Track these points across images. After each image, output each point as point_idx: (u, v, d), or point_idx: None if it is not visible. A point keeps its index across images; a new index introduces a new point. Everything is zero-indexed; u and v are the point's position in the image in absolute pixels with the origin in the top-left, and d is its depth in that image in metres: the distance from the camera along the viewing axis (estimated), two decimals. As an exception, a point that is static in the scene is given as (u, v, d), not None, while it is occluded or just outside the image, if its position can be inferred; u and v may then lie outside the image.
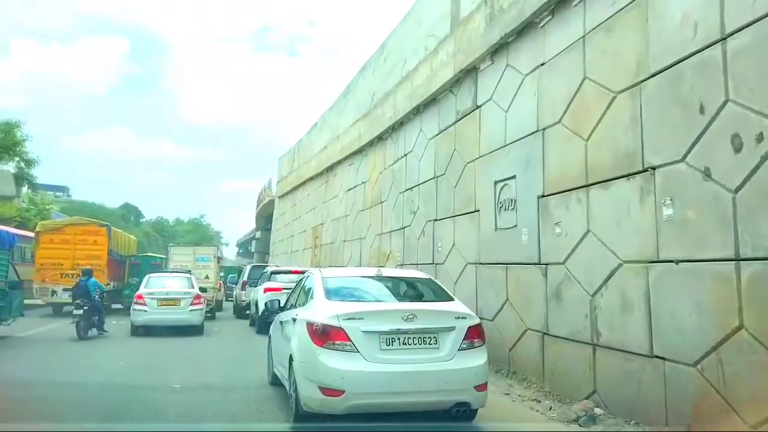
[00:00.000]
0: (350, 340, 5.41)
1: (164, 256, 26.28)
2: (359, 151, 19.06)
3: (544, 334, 8.36)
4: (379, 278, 6.77)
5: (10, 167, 36.97)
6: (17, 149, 35.83)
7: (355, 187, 19.45)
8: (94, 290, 14.27)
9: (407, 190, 14.50)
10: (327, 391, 5.35)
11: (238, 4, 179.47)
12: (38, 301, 20.09)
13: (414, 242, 13.82)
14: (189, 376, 9.42)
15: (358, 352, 5.39)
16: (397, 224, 15.11)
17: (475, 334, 5.80)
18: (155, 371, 10.11)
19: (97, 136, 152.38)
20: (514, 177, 9.38)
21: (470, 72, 11.16)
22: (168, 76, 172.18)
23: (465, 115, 11.37)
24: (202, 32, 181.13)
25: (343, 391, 5.30)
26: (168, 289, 15.09)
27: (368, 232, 17.63)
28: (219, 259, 25.17)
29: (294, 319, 6.38)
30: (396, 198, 15.30)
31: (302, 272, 10.01)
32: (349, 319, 5.51)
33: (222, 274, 27.72)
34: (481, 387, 5.72)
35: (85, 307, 13.57)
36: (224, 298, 25.89)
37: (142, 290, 14.91)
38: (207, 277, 21.22)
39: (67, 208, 61.34)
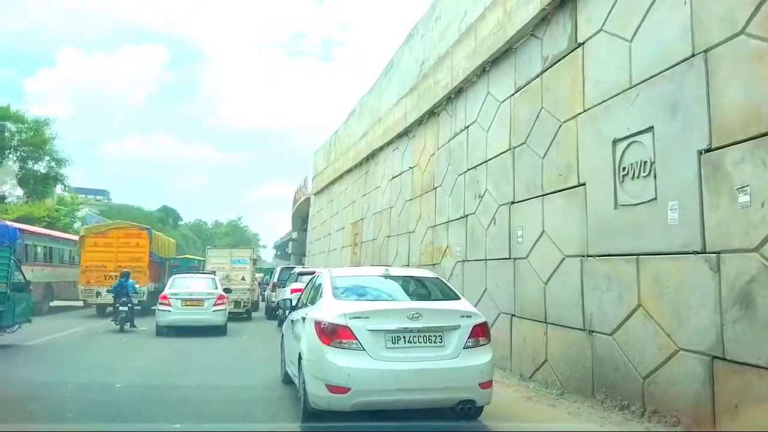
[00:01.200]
0: (356, 339, 5.38)
1: (202, 258, 26.36)
2: (405, 132, 16.21)
3: (715, 358, 5.37)
4: (387, 277, 6.61)
5: (41, 167, 35.22)
6: (46, 147, 34.06)
7: (400, 174, 16.61)
8: (132, 290, 15.87)
9: (470, 170, 11.59)
10: (334, 388, 5.32)
11: (273, 11, 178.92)
12: (78, 303, 21.21)
13: (480, 233, 10.90)
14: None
15: (364, 350, 5.36)
16: (456, 213, 12.21)
17: (480, 333, 5.75)
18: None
19: (137, 142, 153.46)
20: (649, 130, 6.37)
21: (565, 3, 8.21)
22: (205, 83, 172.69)
23: (558, 61, 8.39)
24: (238, 39, 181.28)
25: (350, 389, 5.27)
26: (192, 289, 15.00)
27: (418, 224, 14.76)
28: (255, 261, 24.85)
29: (304, 318, 6.30)
30: (454, 181, 12.39)
31: None
32: (355, 318, 5.48)
33: (261, 275, 28.63)
34: (486, 384, 5.64)
35: (129, 305, 15.35)
36: (260, 299, 26.04)
37: (166, 291, 14.93)
38: (243, 279, 21.12)
39: (106, 211, 60.08)
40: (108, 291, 17.48)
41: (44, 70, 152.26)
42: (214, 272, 19.05)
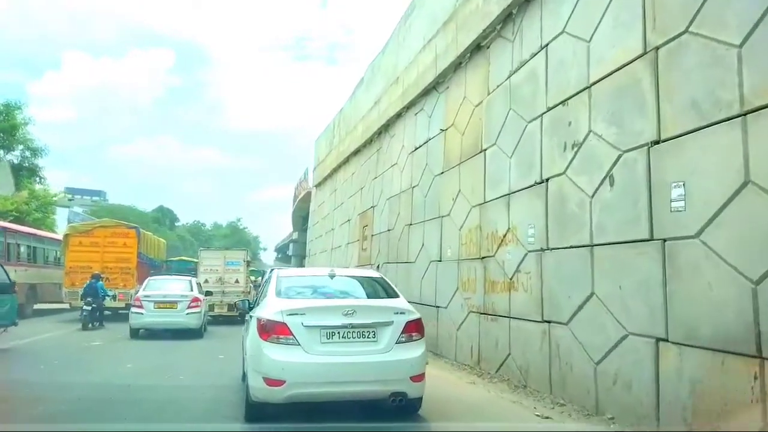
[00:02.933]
0: (292, 334, 5.41)
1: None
2: (434, 86, 11.96)
3: None
4: (332, 277, 6.42)
5: (14, 156, 30.89)
6: (18, 134, 29.76)
7: (426, 143, 12.36)
8: (101, 292, 16.20)
9: (552, 108, 7.32)
10: (270, 381, 5.33)
11: (278, 15, 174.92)
12: (65, 305, 19.60)
13: (579, 203, 6.62)
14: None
15: (299, 345, 5.39)
16: (525, 178, 7.94)
17: (413, 329, 5.75)
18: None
19: (142, 145, 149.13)
20: None
21: None
22: (211, 86, 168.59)
23: None
24: (243, 43, 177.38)
25: (284, 381, 5.28)
26: (165, 291, 14.51)
27: (455, 204, 10.50)
28: (249, 262, 22.94)
29: (252, 317, 6.27)
30: (520, 132, 8.13)
31: None
32: (291, 314, 5.50)
33: (254, 278, 26.59)
34: (417, 378, 5.63)
35: (93, 305, 15.82)
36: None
37: (140, 293, 14.47)
38: (237, 281, 19.93)
39: (97, 211, 55.79)
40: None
41: (50, 74, 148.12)
42: (194, 274, 19.13)
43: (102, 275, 17.20)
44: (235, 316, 17.49)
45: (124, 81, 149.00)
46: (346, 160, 21.11)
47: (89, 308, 15.70)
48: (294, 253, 57.81)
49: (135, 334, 13.94)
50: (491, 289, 8.81)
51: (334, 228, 23.05)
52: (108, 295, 16.90)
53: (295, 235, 56.04)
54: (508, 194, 8.43)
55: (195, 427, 5.80)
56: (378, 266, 15.49)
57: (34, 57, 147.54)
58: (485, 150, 9.34)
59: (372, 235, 16.51)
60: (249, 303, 7.71)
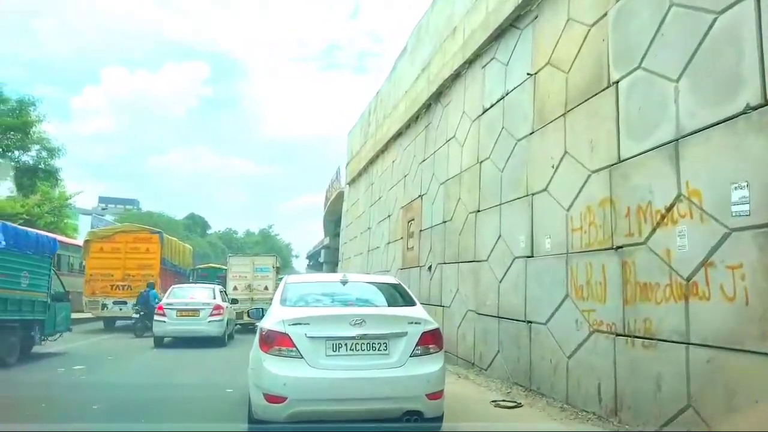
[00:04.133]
0: (295, 346, 4.75)
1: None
2: (513, 21, 8.64)
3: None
4: (344, 283, 5.74)
5: (30, 157, 28.35)
6: (31, 132, 27.20)
7: (501, 99, 9.01)
8: (152, 301, 15.44)
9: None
10: (270, 397, 4.72)
11: (309, 25, 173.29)
12: (87, 315, 18.22)
13: None
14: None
15: (303, 358, 4.73)
16: (712, 107, 4.54)
17: (430, 340, 4.99)
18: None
19: (177, 155, 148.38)
20: None
21: None
22: (243, 97, 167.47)
23: None
24: (275, 54, 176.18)
25: (285, 398, 4.67)
26: (188, 300, 14.00)
27: (556, 173, 7.10)
28: (278, 269, 21.61)
29: (260, 326, 5.43)
30: (697, 39, 4.75)
31: None
32: (294, 324, 4.83)
33: None
34: (434, 395, 4.88)
35: (142, 313, 15.47)
36: None
37: (163, 301, 14.09)
38: (266, 288, 18.99)
39: (126, 218, 53.47)
40: (115, 303, 17.12)
41: (89, 88, 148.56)
42: (221, 283, 18.65)
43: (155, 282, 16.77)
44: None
45: (160, 94, 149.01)
46: (385, 148, 17.84)
47: (137, 316, 15.65)
48: (326, 259, 54.82)
49: (159, 342, 13.49)
50: (641, 296, 5.36)
51: (370, 227, 19.77)
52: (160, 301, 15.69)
53: (326, 241, 53.04)
54: (675, 140, 5.00)
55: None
56: (430, 268, 12.14)
57: (75, 73, 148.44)
58: (617, 82, 5.94)
59: (420, 231, 13.17)
60: (263, 311, 6.66)
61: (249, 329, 17.14)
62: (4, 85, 26.12)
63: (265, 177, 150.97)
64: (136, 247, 18.26)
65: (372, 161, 20.10)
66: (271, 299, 17.25)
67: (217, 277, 23.94)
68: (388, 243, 16.65)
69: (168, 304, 13.68)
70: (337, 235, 50.07)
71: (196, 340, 13.31)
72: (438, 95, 12.42)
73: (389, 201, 16.86)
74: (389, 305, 5.62)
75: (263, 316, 6.31)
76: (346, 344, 4.81)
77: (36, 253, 10.71)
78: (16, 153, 27.94)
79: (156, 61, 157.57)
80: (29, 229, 12.40)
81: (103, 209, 77.78)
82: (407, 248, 14.35)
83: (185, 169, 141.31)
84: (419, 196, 13.46)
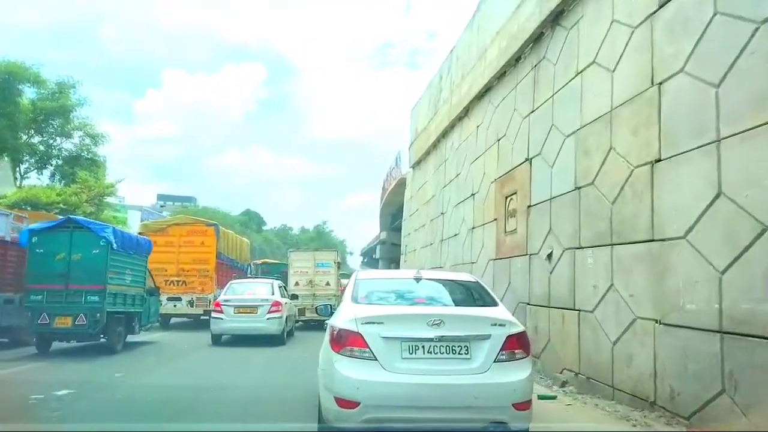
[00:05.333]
0: (368, 347, 4.30)
1: (290, 263, 21.72)
2: None
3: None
4: (418, 281, 5.21)
5: (72, 145, 26.11)
6: (72, 117, 24.91)
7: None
8: None
9: None
10: (342, 402, 4.27)
11: (363, 24, 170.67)
12: None
13: None
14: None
15: (377, 360, 4.28)
16: None
17: (516, 344, 4.43)
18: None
19: (232, 155, 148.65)
20: None
21: None
22: (298, 97, 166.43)
23: None
24: (329, 53, 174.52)
25: (358, 403, 4.21)
26: (245, 296, 13.13)
27: None
28: (339, 264, 20.46)
29: (328, 323, 5.11)
30: None
31: None
32: (367, 323, 4.38)
33: (346, 281, 19.96)
34: (522, 405, 4.30)
35: None
36: None
37: (220, 297, 13.34)
38: (328, 284, 18.27)
39: (180, 212, 51.53)
40: (169, 299, 16.02)
41: (151, 92, 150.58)
42: (278, 278, 17.42)
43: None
44: (327, 320, 14.38)
45: (218, 95, 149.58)
46: (464, 113, 14.21)
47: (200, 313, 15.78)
48: (382, 255, 51.46)
49: (217, 340, 12.82)
50: None
51: (444, 212, 16.16)
52: None
53: (383, 235, 49.58)
54: None
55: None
56: (550, 256, 8.47)
57: (137, 77, 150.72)
58: None
59: (529, 207, 9.48)
60: (332, 308, 7.00)
61: (311, 326, 16.53)
62: (41, 66, 23.88)
63: (318, 175, 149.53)
64: (191, 241, 16.85)
65: (445, 134, 16.50)
66: (333, 295, 17.19)
67: (280, 272, 22.37)
68: (472, 228, 13.00)
69: (225, 300, 12.88)
70: (396, 229, 46.69)
71: (253, 338, 12.53)
72: (557, 16, 8.70)
73: (473, 176, 13.21)
74: (469, 305, 5.12)
75: (332, 313, 6.04)
76: (423, 346, 4.29)
77: (136, 253, 11.74)
78: (59, 140, 25.77)
79: (214, 63, 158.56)
80: (130, 232, 12.96)
81: (162, 206, 77.13)
82: (505, 232, 10.68)
83: (242, 168, 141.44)
84: (526, 160, 9.77)
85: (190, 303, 16.27)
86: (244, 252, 22.79)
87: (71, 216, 12.76)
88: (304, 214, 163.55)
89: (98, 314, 10.07)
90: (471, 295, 5.31)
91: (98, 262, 10.26)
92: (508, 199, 10.61)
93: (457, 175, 14.72)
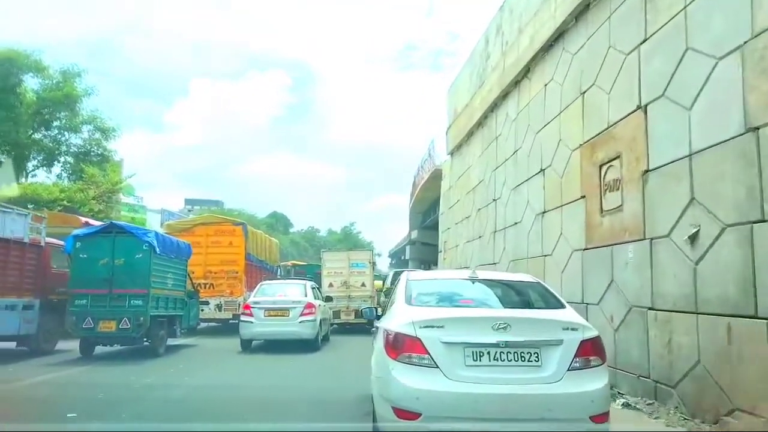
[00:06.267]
0: (428, 353, 3.89)
1: (324, 265, 20.46)
2: None
3: None
4: (474, 281, 4.83)
5: (81, 140, 23.97)
6: (77, 108, 22.75)
7: None
8: None
9: None
10: (401, 412, 3.87)
11: (385, 27, 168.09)
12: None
13: None
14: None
15: (438, 367, 3.86)
16: None
17: (590, 350, 3.97)
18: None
19: (258, 160, 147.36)
20: None
21: None
22: (322, 102, 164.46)
23: None
24: (351, 58, 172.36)
25: (419, 414, 3.81)
26: (276, 298, 12.22)
27: None
28: (374, 264, 20.00)
29: (378, 327, 4.92)
30: None
31: None
32: (427, 327, 3.96)
33: (381, 282, 22.00)
34: (600, 417, 3.86)
35: None
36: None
37: (250, 299, 12.49)
38: (363, 285, 17.05)
39: (201, 212, 49.48)
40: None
41: (180, 101, 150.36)
42: (312, 279, 16.24)
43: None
44: (364, 323, 14.66)
45: (244, 102, 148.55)
46: (525, 73, 11.45)
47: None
48: (411, 256, 48.52)
49: (246, 345, 11.93)
50: None
51: (497, 197, 13.37)
52: None
53: (414, 235, 46.61)
54: None
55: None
56: (694, 237, 5.64)
57: (165, 87, 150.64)
58: None
59: (646, 172, 6.66)
60: (376, 311, 6.28)
61: (346, 329, 15.79)
62: (42, 53, 21.75)
63: (344, 179, 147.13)
64: (218, 241, 15.87)
65: (495, 106, 13.74)
66: (369, 297, 16.66)
67: (314, 273, 21.33)
68: (543, 213, 10.20)
69: (255, 302, 12.05)
70: (427, 227, 43.91)
71: (286, 343, 11.69)
72: None
73: (541, 147, 10.41)
74: (534, 307, 4.59)
75: (379, 315, 5.81)
76: (488, 353, 3.87)
77: (177, 256, 11.69)
78: (66, 135, 23.64)
79: (240, 71, 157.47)
80: (172, 237, 12.42)
81: (189, 210, 75.78)
82: (601, 212, 7.85)
83: (268, 173, 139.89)
84: (637, 108, 6.94)
85: (218, 307, 15.30)
86: (274, 253, 21.53)
87: (114, 222, 12.25)
88: (331, 217, 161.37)
89: (142, 318, 10.02)
90: (534, 296, 4.76)
91: (141, 266, 10.22)
92: (605, 167, 7.79)
93: (516, 151, 11.93)
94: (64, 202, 19.19)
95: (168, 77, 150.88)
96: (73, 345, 10.60)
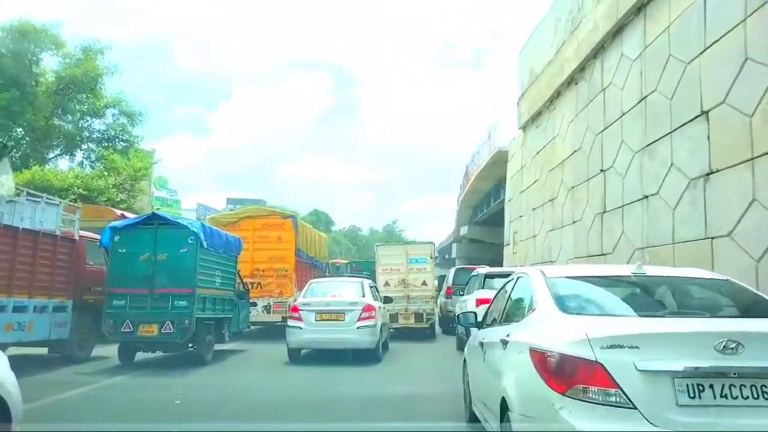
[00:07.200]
0: (618, 386, 2.61)
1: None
2: None
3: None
4: (643, 278, 3.57)
5: (104, 125, 21.68)
6: (98, 88, 20.45)
7: None
8: None
9: None
10: None
11: (423, 24, 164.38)
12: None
13: None
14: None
15: (636, 408, 2.58)
16: None
17: None
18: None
19: (301, 162, 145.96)
20: None
21: None
22: (362, 103, 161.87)
23: None
24: (389, 58, 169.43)
25: None
26: (329, 298, 10.18)
27: None
28: (436, 259, 16.70)
29: (505, 342, 3.51)
30: None
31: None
32: (612, 347, 2.68)
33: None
34: None
35: None
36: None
37: (299, 300, 10.44)
38: (424, 284, 14.42)
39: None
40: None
41: (224, 104, 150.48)
42: (368, 276, 13.95)
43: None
44: (425, 328, 13.99)
45: (286, 105, 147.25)
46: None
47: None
48: (459, 254, 45.19)
49: (295, 355, 9.76)
50: None
51: (607, 168, 10.10)
52: None
53: (463, 231, 43.05)
54: None
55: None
56: None
57: (210, 91, 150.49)
58: None
59: None
60: (476, 316, 4.91)
61: (405, 335, 13.58)
62: (60, 26, 19.47)
63: (384, 179, 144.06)
64: (266, 236, 14.28)
65: (600, 49, 10.48)
66: (431, 297, 14.31)
67: (371, 271, 19.11)
68: (707, 175, 6.91)
69: (305, 304, 10.07)
70: (479, 223, 40.54)
71: (339, 352, 9.69)
72: None
73: (699, 81, 7.12)
74: (748, 315, 3.29)
75: (477, 321, 4.77)
76: (712, 386, 2.59)
77: (225, 252, 10.54)
78: (89, 120, 21.38)
79: (281, 75, 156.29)
80: (220, 229, 11.18)
81: (231, 209, 74.43)
82: None
83: (309, 174, 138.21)
84: None
85: (266, 308, 13.69)
86: (323, 249, 19.67)
87: (156, 212, 11.10)
88: (372, 217, 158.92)
89: (187, 321, 8.95)
90: (732, 300, 3.52)
91: (186, 262, 9.14)
92: None
93: (646, 97, 8.64)
94: (80, 190, 16.75)
95: (212, 81, 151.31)
96: (110, 350, 9.55)
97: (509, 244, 18.95)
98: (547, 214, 14.12)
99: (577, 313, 3.13)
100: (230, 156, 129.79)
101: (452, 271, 17.94)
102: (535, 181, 15.39)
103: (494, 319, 4.40)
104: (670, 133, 7.79)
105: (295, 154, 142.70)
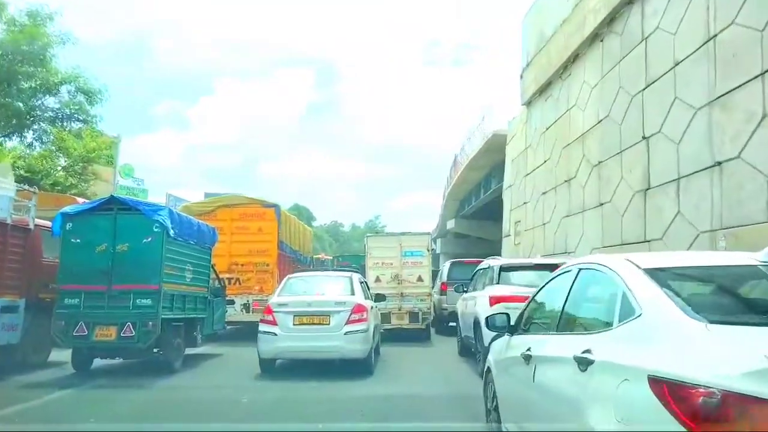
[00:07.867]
0: None
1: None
2: None
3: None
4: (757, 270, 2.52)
5: (59, 103, 19.25)
6: (48, 58, 18.10)
7: None
8: None
9: None
10: None
11: (409, 22, 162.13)
12: None
13: None
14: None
15: None
16: None
17: None
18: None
19: (283, 158, 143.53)
20: None
21: None
22: (347, 100, 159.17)
23: None
24: (374, 56, 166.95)
25: None
26: (311, 298, 8.44)
27: None
28: (433, 252, 15.81)
29: (583, 360, 2.51)
30: None
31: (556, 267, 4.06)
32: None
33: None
34: None
35: None
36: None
37: (273, 299, 8.67)
38: (420, 279, 12.81)
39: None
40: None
41: (204, 99, 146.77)
42: (357, 270, 11.58)
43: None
44: (421, 329, 12.42)
45: (269, 100, 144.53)
46: None
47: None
48: (444, 250, 43.35)
49: (269, 367, 8.09)
50: None
51: (650, 134, 8.20)
52: None
53: (450, 224, 41.21)
54: None
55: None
56: None
57: (191, 85, 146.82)
58: None
59: None
60: (508, 318, 3.93)
61: (396, 336, 11.71)
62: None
63: (368, 176, 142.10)
64: (245, 227, 13.10)
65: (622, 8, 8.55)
66: (427, 295, 12.73)
67: (360, 266, 17.76)
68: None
69: (280, 304, 8.14)
70: (467, 216, 38.74)
71: (321, 363, 7.98)
72: None
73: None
74: None
75: (509, 324, 3.84)
76: None
77: (197, 243, 9.50)
78: (41, 97, 18.95)
79: (265, 71, 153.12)
80: (191, 217, 9.88)
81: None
82: None
83: (291, 169, 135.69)
84: None
85: (245, 307, 12.53)
86: (308, 242, 18.28)
87: (115, 195, 9.65)
88: (354, 213, 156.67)
89: (151, 323, 7.82)
90: None
91: (151, 254, 8.00)
92: None
93: (714, 36, 6.73)
94: (21, 172, 14.43)
95: (193, 76, 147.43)
96: (69, 355, 8.48)
97: (509, 236, 17.07)
98: (561, 198, 12.24)
99: (720, 322, 2.11)
100: (213, 152, 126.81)
101: (447, 264, 16.05)
102: (544, 162, 13.49)
103: (539, 325, 3.60)
104: (762, 74, 5.87)
105: (279, 151, 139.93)
